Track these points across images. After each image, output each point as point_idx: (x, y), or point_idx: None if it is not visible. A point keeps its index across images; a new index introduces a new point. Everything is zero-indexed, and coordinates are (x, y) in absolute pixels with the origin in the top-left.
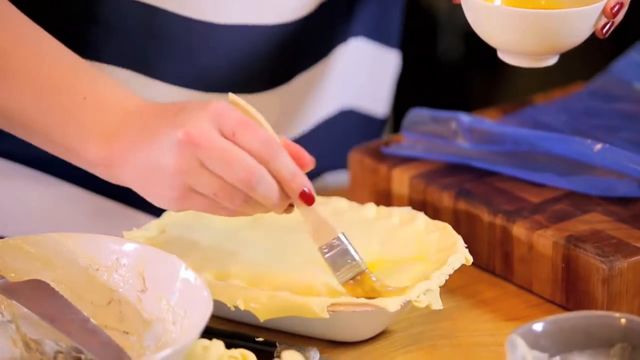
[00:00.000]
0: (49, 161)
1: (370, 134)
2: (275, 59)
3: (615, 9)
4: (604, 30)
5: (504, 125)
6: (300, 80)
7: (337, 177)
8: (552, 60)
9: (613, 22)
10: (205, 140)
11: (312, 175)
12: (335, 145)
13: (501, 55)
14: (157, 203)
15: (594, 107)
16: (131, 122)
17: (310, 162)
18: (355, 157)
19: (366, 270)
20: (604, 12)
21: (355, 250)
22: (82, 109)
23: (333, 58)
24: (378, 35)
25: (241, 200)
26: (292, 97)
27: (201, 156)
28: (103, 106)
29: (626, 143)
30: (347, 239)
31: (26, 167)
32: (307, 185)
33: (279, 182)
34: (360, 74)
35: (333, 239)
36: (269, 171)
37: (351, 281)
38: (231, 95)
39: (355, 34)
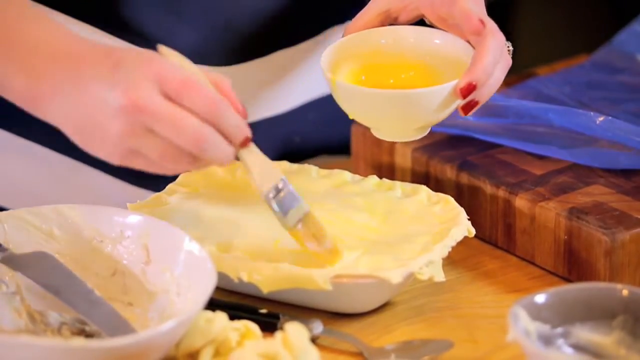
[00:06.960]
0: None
1: None
2: (257, 30)
3: (466, 90)
4: (465, 110)
5: (507, 97)
6: (282, 56)
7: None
8: (424, 133)
9: (475, 101)
10: (150, 104)
11: (306, 155)
12: (328, 127)
13: (375, 133)
14: (96, 154)
15: (597, 79)
16: (59, 63)
17: (243, 109)
18: (357, 130)
19: (309, 211)
20: (455, 92)
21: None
22: (8, 45)
23: (326, 38)
24: None
25: (187, 162)
26: (271, 71)
27: (147, 121)
28: (29, 44)
29: (629, 115)
30: (287, 181)
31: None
32: (249, 133)
33: (225, 138)
34: None
35: (277, 182)
36: (216, 130)
37: (299, 226)
38: (161, 46)
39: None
